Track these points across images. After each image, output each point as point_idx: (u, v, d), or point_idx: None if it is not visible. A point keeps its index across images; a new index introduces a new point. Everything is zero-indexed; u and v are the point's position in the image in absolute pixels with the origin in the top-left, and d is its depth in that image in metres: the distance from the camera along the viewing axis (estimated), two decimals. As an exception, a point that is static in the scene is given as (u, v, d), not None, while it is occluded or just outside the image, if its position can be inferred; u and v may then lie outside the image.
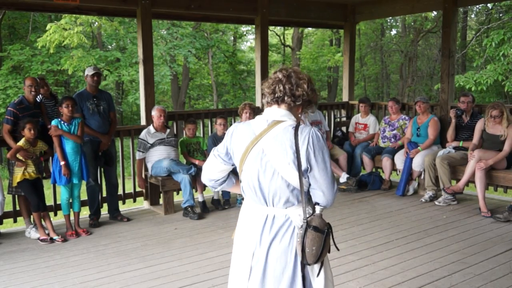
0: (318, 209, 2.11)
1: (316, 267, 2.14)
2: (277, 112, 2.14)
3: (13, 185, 4.98)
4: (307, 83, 2.14)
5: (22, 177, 4.84)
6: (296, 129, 2.07)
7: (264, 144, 2.11)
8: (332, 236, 2.16)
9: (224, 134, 6.27)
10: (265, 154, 2.11)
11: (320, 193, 2.10)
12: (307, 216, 2.10)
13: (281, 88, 2.12)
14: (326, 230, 2.08)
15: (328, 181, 2.08)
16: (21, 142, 4.86)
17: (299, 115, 2.23)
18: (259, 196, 2.16)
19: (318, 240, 2.06)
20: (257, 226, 2.18)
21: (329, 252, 2.18)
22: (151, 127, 5.94)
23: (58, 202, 5.52)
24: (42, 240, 4.90)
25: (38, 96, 5.38)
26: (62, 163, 4.92)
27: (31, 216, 5.18)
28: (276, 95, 2.14)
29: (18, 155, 4.82)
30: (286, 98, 2.13)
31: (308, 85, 2.15)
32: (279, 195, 2.12)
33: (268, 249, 2.15)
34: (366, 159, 7.06)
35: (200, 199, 6.04)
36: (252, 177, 2.16)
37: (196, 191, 6.06)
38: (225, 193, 6.21)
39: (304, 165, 2.05)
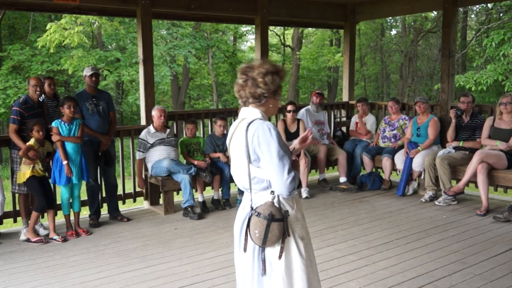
0: (270, 197, 2.29)
1: (276, 250, 2.30)
2: (244, 112, 2.38)
3: (18, 182, 4.97)
4: (263, 78, 2.29)
5: (31, 174, 4.85)
6: (249, 124, 2.28)
7: (233, 141, 2.41)
8: (286, 226, 2.27)
9: (223, 135, 6.26)
10: (233, 149, 2.42)
11: (272, 181, 2.26)
12: (261, 202, 2.30)
13: (243, 94, 2.35)
14: (269, 217, 2.23)
15: (275, 170, 2.21)
16: (31, 142, 4.87)
17: (275, 104, 2.38)
18: (239, 183, 2.45)
19: (260, 225, 2.24)
20: (239, 208, 2.49)
21: (284, 238, 2.29)
22: (151, 127, 5.94)
23: (58, 202, 5.51)
24: (36, 242, 4.90)
25: (41, 96, 5.38)
26: (65, 162, 4.93)
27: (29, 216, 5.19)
28: (243, 100, 2.38)
29: (28, 154, 4.82)
30: (251, 100, 2.34)
31: (266, 79, 2.29)
32: (243, 182, 2.39)
33: (241, 226, 2.41)
34: (366, 159, 7.06)
35: (200, 199, 6.04)
36: (232, 168, 2.48)
37: (196, 191, 6.06)
38: (225, 193, 6.21)
39: (252, 156, 2.28)
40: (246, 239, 2.34)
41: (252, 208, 2.31)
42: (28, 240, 4.93)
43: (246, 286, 2.43)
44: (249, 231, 2.30)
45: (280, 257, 2.29)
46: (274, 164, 2.20)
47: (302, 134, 2.49)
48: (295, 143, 2.50)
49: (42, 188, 4.92)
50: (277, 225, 2.24)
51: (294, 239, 2.33)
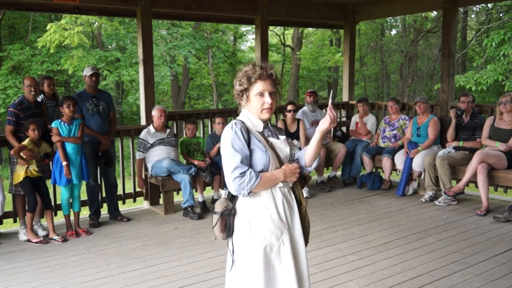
0: (222, 192, 2.47)
1: (229, 244, 2.46)
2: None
3: (14, 182, 4.98)
4: (236, 81, 2.42)
5: (25, 175, 4.85)
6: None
7: None
8: (217, 221, 2.40)
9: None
10: None
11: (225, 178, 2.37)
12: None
13: None
14: (212, 209, 2.46)
15: (224, 168, 2.33)
16: (25, 142, 4.86)
17: (253, 103, 2.38)
18: None
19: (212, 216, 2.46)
20: None
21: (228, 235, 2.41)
22: (151, 127, 5.94)
23: (58, 202, 5.53)
24: (37, 242, 4.89)
25: (40, 96, 5.37)
26: (64, 163, 4.93)
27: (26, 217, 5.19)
28: None
29: (22, 154, 4.81)
30: (240, 106, 2.48)
31: (236, 83, 2.41)
32: None
33: None
34: (366, 159, 7.06)
35: (200, 199, 6.04)
36: None
37: (196, 191, 6.06)
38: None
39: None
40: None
41: None
42: (29, 241, 4.94)
43: None
44: None
45: (230, 252, 2.44)
46: (224, 161, 2.32)
47: (324, 117, 2.38)
48: (320, 124, 2.38)
49: (35, 189, 4.91)
50: (214, 217, 2.42)
51: (252, 240, 2.34)
